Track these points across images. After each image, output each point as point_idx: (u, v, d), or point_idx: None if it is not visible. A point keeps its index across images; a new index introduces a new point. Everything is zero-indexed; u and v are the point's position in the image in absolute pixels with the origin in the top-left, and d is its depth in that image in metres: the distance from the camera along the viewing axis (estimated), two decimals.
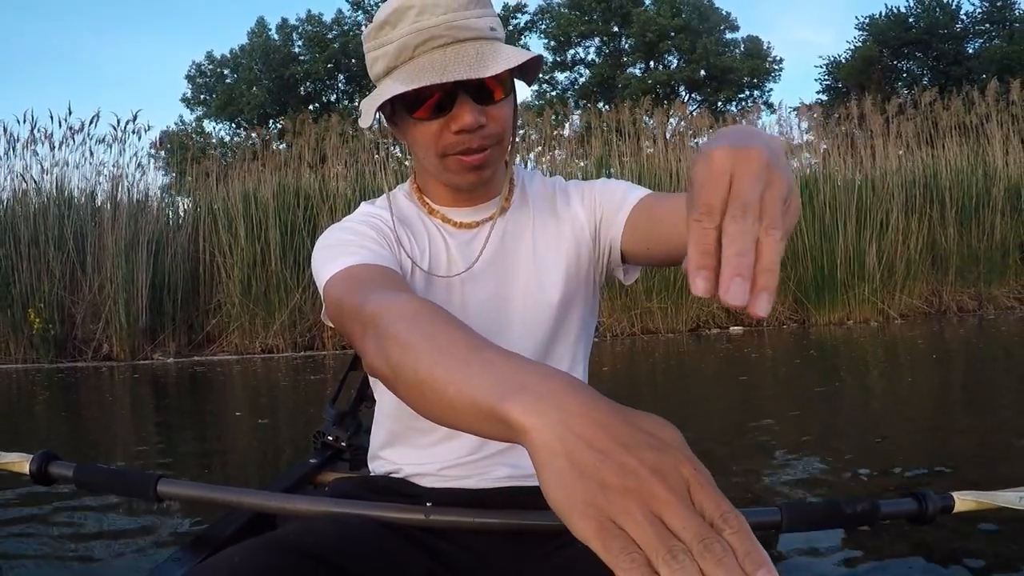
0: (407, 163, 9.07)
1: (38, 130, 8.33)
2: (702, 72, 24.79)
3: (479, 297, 0.95)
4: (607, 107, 10.86)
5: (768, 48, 26.19)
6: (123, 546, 2.20)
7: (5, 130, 8.32)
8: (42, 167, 8.31)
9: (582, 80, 26.85)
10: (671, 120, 10.44)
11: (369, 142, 9.07)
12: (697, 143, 9.63)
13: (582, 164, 9.65)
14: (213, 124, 26.11)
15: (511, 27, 25.57)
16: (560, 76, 27.11)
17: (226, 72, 26.21)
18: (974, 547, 1.94)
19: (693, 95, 25.42)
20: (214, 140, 22.14)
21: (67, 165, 8.35)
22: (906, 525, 0.94)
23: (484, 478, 0.93)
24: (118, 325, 7.57)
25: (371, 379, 1.05)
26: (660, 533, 0.35)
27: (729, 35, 26.19)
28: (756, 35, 26.92)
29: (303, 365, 6.99)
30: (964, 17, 24.00)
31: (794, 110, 10.57)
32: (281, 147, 9.89)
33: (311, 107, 22.42)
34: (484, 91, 0.85)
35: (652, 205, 0.91)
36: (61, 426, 4.47)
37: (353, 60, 24.44)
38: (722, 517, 0.36)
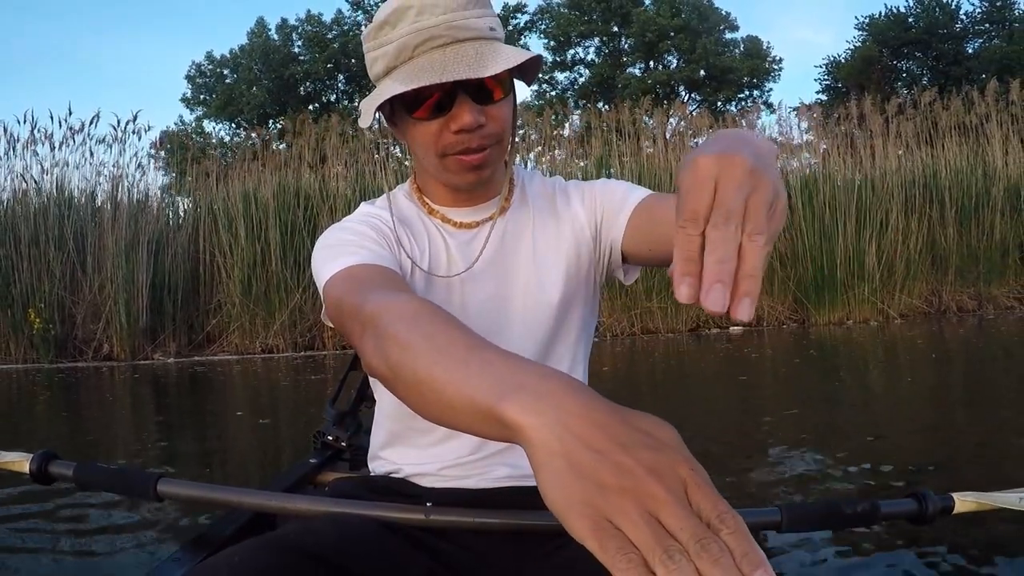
0: (407, 163, 9.07)
1: (38, 130, 8.34)
2: (702, 72, 24.79)
3: (479, 297, 0.95)
4: (607, 107, 10.86)
5: (768, 48, 26.22)
6: (123, 546, 2.20)
7: (5, 130, 8.33)
8: (42, 167, 8.33)
9: (582, 80, 26.86)
10: (671, 120, 10.45)
11: (369, 142, 9.07)
12: (697, 143, 9.62)
13: (582, 164, 9.65)
14: (213, 124, 26.15)
15: (511, 27, 25.58)
16: (560, 76, 27.15)
17: (226, 72, 26.21)
18: (974, 547, 1.94)
19: (693, 95, 25.42)
20: (214, 140, 22.14)
21: (67, 165, 8.36)
22: (906, 525, 0.94)
23: (484, 478, 0.93)
24: (118, 325, 7.57)
25: (371, 379, 1.05)
26: (657, 533, 0.35)
27: (729, 35, 26.22)
28: (756, 35, 26.98)
29: (303, 365, 6.99)
30: (964, 17, 24.03)
31: (794, 110, 10.57)
32: (281, 147, 9.89)
33: (311, 107, 22.43)
34: (483, 91, 0.85)
35: (653, 206, 0.91)
36: (61, 426, 4.47)
37: (353, 60, 24.44)
38: (719, 517, 0.36)
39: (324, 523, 0.80)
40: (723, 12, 25.77)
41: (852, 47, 24.97)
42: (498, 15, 0.91)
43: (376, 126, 8.09)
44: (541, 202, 1.01)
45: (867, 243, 8.30)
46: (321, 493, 1.23)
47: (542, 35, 26.66)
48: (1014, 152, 9.33)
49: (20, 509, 2.57)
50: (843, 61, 25.00)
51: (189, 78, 26.55)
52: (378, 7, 0.89)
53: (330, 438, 1.49)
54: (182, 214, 8.95)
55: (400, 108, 0.88)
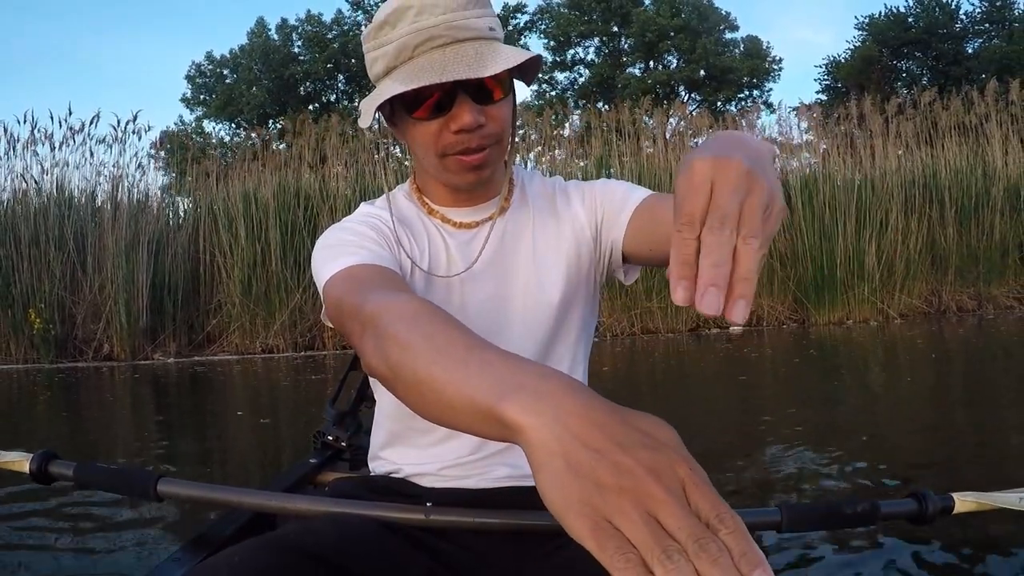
0: (407, 163, 9.07)
1: (38, 130, 8.33)
2: (702, 72, 24.78)
3: (479, 297, 0.95)
4: (607, 107, 10.86)
5: (767, 48, 26.22)
6: (123, 545, 2.20)
7: (5, 130, 8.32)
8: (42, 167, 8.32)
9: (582, 80, 26.85)
10: (671, 120, 10.44)
11: (369, 142, 9.07)
12: (697, 143, 9.62)
13: (582, 164, 9.64)
14: (213, 124, 26.15)
15: (511, 27, 25.58)
16: (560, 76, 27.14)
17: (226, 72, 26.21)
18: (974, 547, 1.94)
19: (693, 95, 25.41)
20: (214, 140, 22.14)
21: (67, 165, 8.36)
22: (906, 525, 0.94)
23: (484, 478, 0.93)
24: (119, 325, 7.57)
25: (371, 379, 1.05)
26: (655, 533, 0.35)
27: (728, 35, 26.21)
28: (755, 35, 26.97)
29: (303, 365, 6.99)
30: (963, 17, 24.02)
31: (794, 110, 10.56)
32: (281, 147, 9.88)
33: (311, 107, 22.43)
34: (483, 91, 0.85)
35: (654, 206, 0.91)
36: (62, 426, 4.47)
37: (353, 60, 24.43)
38: (718, 517, 0.36)
39: (324, 523, 0.80)
40: (723, 12, 25.80)
41: (852, 47, 24.99)
42: (498, 15, 0.91)
43: (376, 126, 8.08)
44: (541, 202, 1.01)
45: (867, 243, 8.30)
46: (321, 493, 1.23)
47: (542, 35, 26.67)
48: (1014, 152, 9.33)
49: (20, 508, 2.57)
50: (843, 61, 25.00)
51: (189, 78, 26.56)
52: (378, 7, 0.89)
53: (330, 438, 1.49)
54: (182, 214, 8.95)
55: (400, 108, 0.88)
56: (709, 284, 0.41)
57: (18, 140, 8.34)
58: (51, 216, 7.90)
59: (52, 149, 8.33)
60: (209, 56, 26.39)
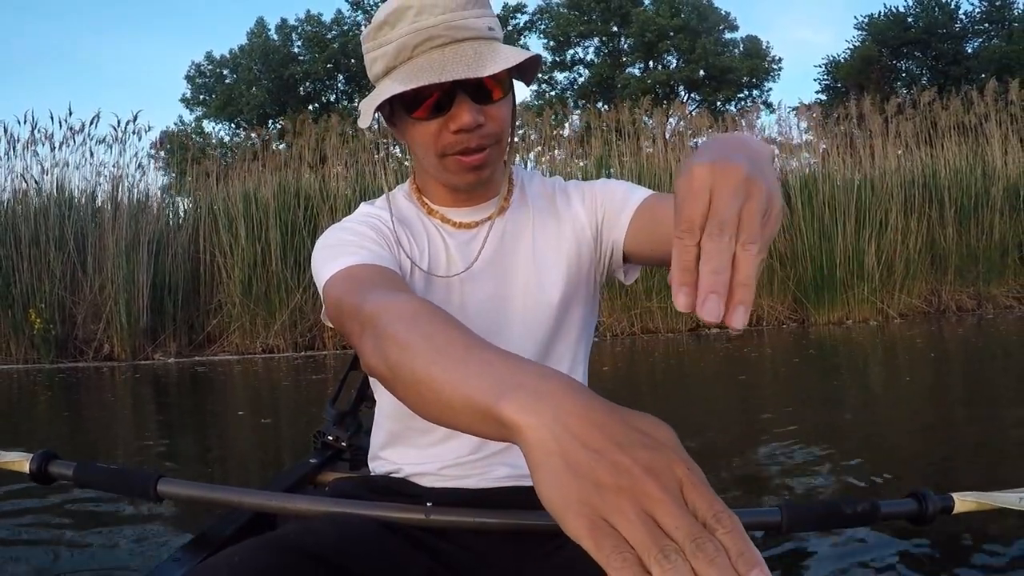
0: (407, 163, 9.07)
1: (38, 130, 8.33)
2: (701, 72, 24.78)
3: (478, 297, 0.95)
4: (606, 107, 10.86)
5: (767, 48, 26.21)
6: (123, 545, 2.20)
7: (5, 130, 8.32)
8: (42, 167, 8.31)
9: (581, 80, 26.85)
10: (670, 120, 10.44)
11: (369, 142, 9.07)
12: (696, 143, 9.63)
13: (582, 164, 9.65)
14: (213, 124, 26.14)
15: (510, 27, 25.58)
16: (559, 76, 27.13)
17: (225, 72, 26.20)
18: (974, 547, 1.94)
19: (692, 95, 25.41)
20: (214, 140, 22.13)
21: (67, 165, 8.35)
22: (906, 525, 0.94)
23: (484, 478, 0.93)
24: (119, 325, 7.57)
25: (371, 379, 1.05)
26: (652, 532, 0.35)
27: (728, 35, 26.21)
28: (755, 35, 26.97)
29: (304, 365, 6.99)
30: (963, 17, 24.02)
31: (793, 110, 10.56)
32: (281, 147, 9.88)
33: (311, 107, 22.43)
34: (482, 91, 0.85)
35: (654, 206, 0.91)
36: (62, 426, 4.47)
37: (352, 60, 24.43)
38: (715, 517, 0.36)
39: (324, 523, 0.80)
40: (723, 12, 25.80)
41: (851, 47, 24.99)
42: (498, 15, 0.91)
43: (376, 126, 8.08)
44: (541, 202, 1.01)
45: (866, 243, 8.30)
46: (321, 493, 1.23)
47: (541, 35, 26.67)
48: (1013, 152, 9.33)
49: (20, 507, 2.57)
50: (842, 61, 25.00)
51: (189, 78, 26.55)
52: (378, 7, 0.89)
53: (330, 438, 1.49)
54: (182, 214, 8.95)
55: (399, 108, 0.88)
56: (709, 291, 0.42)
57: (18, 140, 8.35)
58: (51, 216, 7.90)
59: (52, 149, 8.34)
60: (209, 56, 26.40)
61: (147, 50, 46.96)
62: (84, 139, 8.40)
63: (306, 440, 1.60)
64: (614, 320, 8.13)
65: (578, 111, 13.90)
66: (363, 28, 0.96)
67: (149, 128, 13.21)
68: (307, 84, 26.00)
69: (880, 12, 24.76)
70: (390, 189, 1.03)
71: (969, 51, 23.40)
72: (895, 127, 9.39)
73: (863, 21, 24.98)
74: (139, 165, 8.59)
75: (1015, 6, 22.97)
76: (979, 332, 7.35)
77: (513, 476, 0.93)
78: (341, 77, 26.04)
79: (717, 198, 0.44)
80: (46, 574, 2.04)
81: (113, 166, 8.47)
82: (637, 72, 25.88)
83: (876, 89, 16.92)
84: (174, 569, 0.88)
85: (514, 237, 0.98)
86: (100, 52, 45.49)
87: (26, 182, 8.16)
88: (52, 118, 9.71)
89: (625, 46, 26.33)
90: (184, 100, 26.65)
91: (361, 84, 24.40)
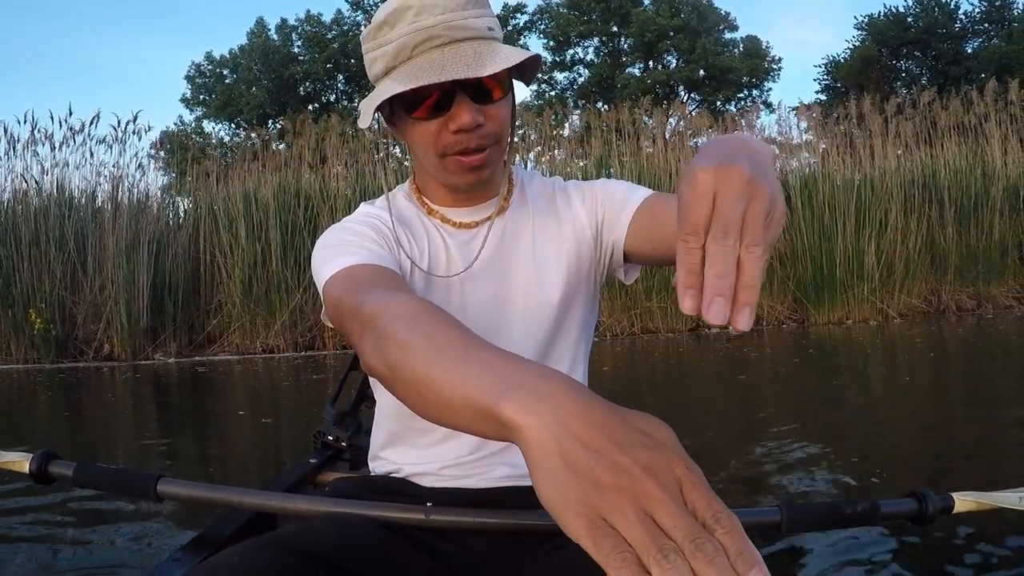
0: (407, 163, 9.07)
1: (38, 130, 8.33)
2: (701, 72, 24.78)
3: (478, 297, 0.95)
4: (606, 107, 10.85)
5: (767, 48, 26.22)
6: (122, 545, 2.20)
7: (5, 130, 8.32)
8: (42, 167, 8.31)
9: (581, 80, 26.85)
10: (670, 120, 10.44)
11: (369, 142, 9.07)
12: (696, 143, 9.63)
13: (582, 164, 9.64)
14: (213, 124, 26.14)
15: (510, 27, 25.58)
16: (559, 76, 27.13)
17: (225, 72, 26.20)
18: (974, 547, 1.94)
19: (692, 95, 25.41)
20: (214, 140, 22.14)
21: (67, 166, 8.34)
22: (906, 525, 0.94)
23: (484, 477, 0.93)
24: (119, 325, 7.57)
25: (371, 379, 1.05)
26: (651, 532, 0.35)
27: (728, 35, 26.21)
28: (755, 35, 26.97)
29: (304, 365, 6.99)
30: (963, 17, 24.02)
31: (793, 110, 10.56)
32: (281, 147, 9.88)
33: (310, 107, 22.43)
34: (482, 90, 0.85)
35: (655, 205, 0.91)
36: (62, 426, 4.47)
37: (352, 60, 24.43)
38: (714, 517, 0.36)
39: (324, 523, 0.80)
40: (722, 12, 25.80)
41: (851, 47, 24.99)
42: (497, 15, 0.91)
43: (376, 126, 8.08)
44: (541, 202, 1.01)
45: (866, 243, 8.30)
46: (321, 493, 1.23)
47: (541, 35, 26.67)
48: (1013, 152, 9.32)
49: (22, 504, 2.58)
50: (842, 61, 25.00)
51: (189, 78, 26.55)
52: (377, 7, 0.89)
53: (330, 438, 1.49)
54: (182, 214, 8.94)
55: (399, 108, 0.88)
56: (715, 294, 0.43)
57: (18, 140, 8.35)
58: (51, 216, 7.90)
59: (52, 149, 8.34)
60: (209, 56, 26.41)
61: (147, 50, 47.02)
62: (84, 139, 8.41)
63: (306, 440, 1.60)
64: (614, 320, 8.13)
65: (578, 111, 13.90)
66: (363, 28, 0.96)
67: (149, 128, 13.23)
68: (307, 84, 26.00)
69: (880, 12, 24.79)
70: (390, 189, 1.03)
71: (969, 51, 23.41)
72: (895, 127, 9.39)
73: (863, 21, 25.01)
74: (139, 165, 8.61)
75: (1015, 6, 22.99)
76: (979, 332, 7.35)
77: (513, 476, 0.93)
78: (341, 77, 26.05)
79: (721, 201, 0.45)
80: (47, 571, 2.04)
81: (113, 166, 8.48)
82: (637, 72, 25.88)
83: (876, 89, 16.93)
84: (174, 569, 0.88)
85: (514, 237, 0.98)
86: (100, 52, 45.54)
87: (26, 182, 8.17)
88: (52, 118, 9.71)
89: (625, 46, 26.33)
90: (184, 100, 26.68)
91: (361, 84, 24.40)
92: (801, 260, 8.37)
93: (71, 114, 8.61)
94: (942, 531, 2.01)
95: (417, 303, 0.64)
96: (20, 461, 1.01)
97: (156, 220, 8.29)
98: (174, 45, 47.23)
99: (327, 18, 26.22)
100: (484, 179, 0.92)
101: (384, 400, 1.01)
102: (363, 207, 1.00)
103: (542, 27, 26.72)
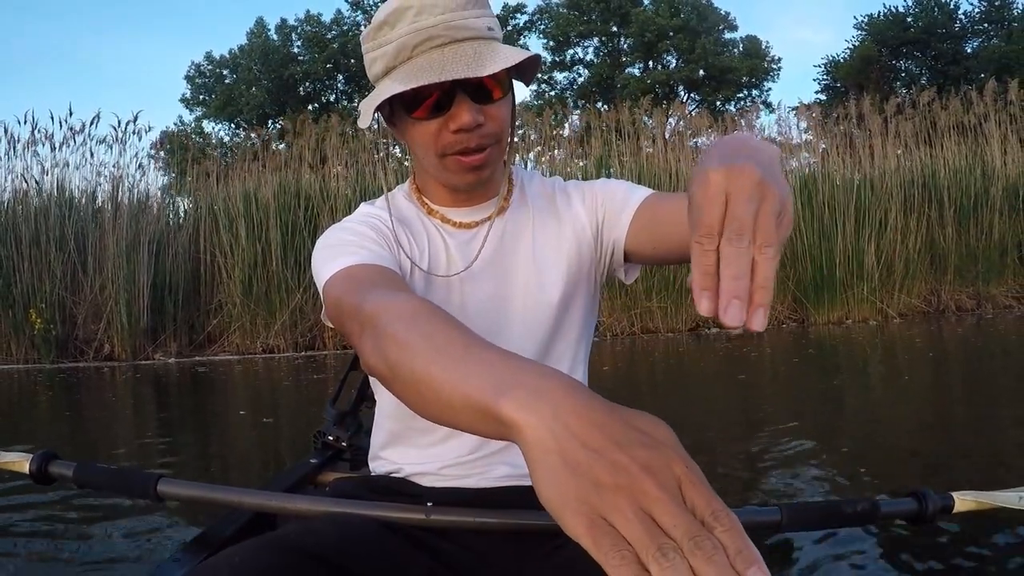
0: (407, 163, 9.06)
1: (39, 131, 8.32)
2: (701, 72, 24.79)
3: (478, 297, 0.95)
4: (606, 107, 10.85)
5: (767, 48, 26.22)
6: (123, 546, 2.20)
7: (6, 131, 8.31)
8: (43, 168, 8.30)
9: (581, 80, 26.86)
10: (670, 120, 10.44)
11: (369, 142, 9.06)
12: (696, 143, 9.64)
13: (582, 164, 9.64)
14: (213, 124, 26.14)
15: (510, 27, 25.58)
16: (559, 76, 27.14)
17: (225, 72, 26.20)
18: (974, 547, 1.94)
19: (692, 95, 25.42)
20: (214, 140, 22.13)
21: (68, 166, 8.34)
22: (906, 525, 0.94)
23: (484, 477, 0.93)
24: (119, 325, 7.57)
25: (371, 379, 1.05)
26: (650, 530, 0.35)
27: (728, 35, 26.22)
28: (755, 35, 26.98)
29: (304, 365, 6.99)
30: (962, 17, 24.03)
31: (793, 110, 10.56)
32: (281, 147, 9.88)
33: (310, 107, 22.44)
34: (482, 90, 0.85)
35: (655, 205, 0.91)
36: (62, 426, 4.47)
37: (352, 60, 24.44)
38: (713, 515, 0.36)
39: (324, 523, 0.80)
40: (722, 12, 25.82)
41: (851, 47, 24.98)
42: (497, 15, 0.91)
43: (376, 126, 8.07)
44: (541, 202, 1.01)
45: (866, 243, 8.30)
46: (321, 493, 1.23)
47: (541, 35, 26.67)
48: (1013, 152, 9.32)
49: (23, 501, 2.58)
50: (842, 61, 25.00)
51: (189, 78, 26.55)
52: (377, 7, 0.89)
53: (331, 438, 1.49)
54: (182, 214, 8.94)
55: (399, 108, 0.88)
56: (732, 297, 0.43)
57: (18, 140, 8.34)
58: (52, 216, 7.89)
59: (52, 149, 8.33)
60: (209, 56, 26.41)
61: (147, 50, 47.02)
62: (84, 139, 8.40)
63: (306, 440, 1.60)
64: (614, 320, 8.13)
65: (578, 111, 13.89)
66: (363, 28, 0.96)
67: (149, 128, 13.23)
68: (307, 84, 26.00)
69: (880, 12, 24.80)
70: (390, 189, 1.03)
71: (968, 51, 23.41)
72: (894, 127, 9.39)
73: (863, 21, 25.02)
74: (139, 165, 8.60)
75: (1015, 6, 23.00)
76: (978, 332, 7.35)
77: (513, 476, 0.93)
78: (341, 77, 26.05)
79: (733, 202, 0.45)
80: (48, 568, 2.04)
81: (113, 166, 8.48)
82: (637, 72, 25.88)
83: (875, 89, 16.93)
84: (174, 569, 0.88)
85: (514, 237, 0.98)
86: (100, 52, 45.55)
87: (26, 182, 8.16)
88: (52, 118, 9.69)
89: (625, 46, 26.33)
90: (184, 100, 26.68)
91: (361, 84, 24.40)
92: (801, 260, 8.37)
93: (71, 114, 8.64)
94: (942, 531, 2.01)
95: (417, 303, 0.64)
96: (20, 461, 1.01)
97: (156, 220, 8.28)
98: (174, 45, 47.28)
99: (327, 18, 26.26)
100: (484, 179, 0.92)
101: (384, 400, 1.01)
102: (363, 207, 1.00)
103: (542, 27, 26.73)
